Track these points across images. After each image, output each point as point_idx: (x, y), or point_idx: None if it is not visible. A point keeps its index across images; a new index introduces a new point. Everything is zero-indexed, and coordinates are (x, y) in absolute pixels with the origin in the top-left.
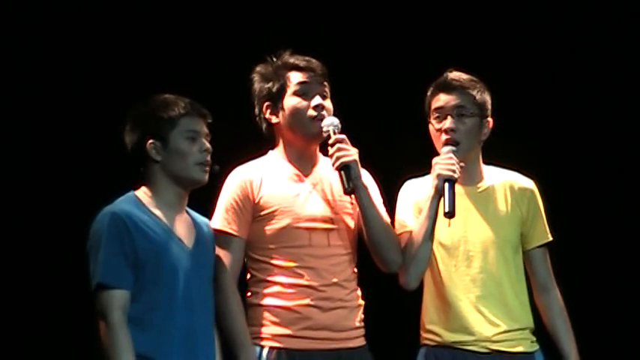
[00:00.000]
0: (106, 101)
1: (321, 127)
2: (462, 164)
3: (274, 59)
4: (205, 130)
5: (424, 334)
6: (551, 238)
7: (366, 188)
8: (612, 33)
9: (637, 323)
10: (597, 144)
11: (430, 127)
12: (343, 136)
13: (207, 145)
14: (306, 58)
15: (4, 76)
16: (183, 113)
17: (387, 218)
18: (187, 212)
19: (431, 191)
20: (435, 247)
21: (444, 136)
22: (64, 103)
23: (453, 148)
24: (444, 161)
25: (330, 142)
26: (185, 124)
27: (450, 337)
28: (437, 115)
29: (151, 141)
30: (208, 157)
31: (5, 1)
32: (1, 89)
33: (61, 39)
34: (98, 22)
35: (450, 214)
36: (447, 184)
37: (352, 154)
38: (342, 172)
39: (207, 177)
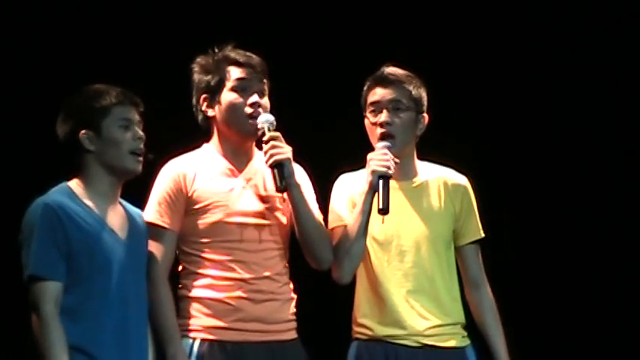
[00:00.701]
0: (37, 91)
1: (256, 126)
2: (396, 160)
3: (216, 51)
4: (138, 118)
5: (356, 328)
6: (483, 235)
7: (298, 186)
8: (546, 20)
9: (567, 319)
10: (531, 139)
11: (366, 121)
12: (278, 134)
13: (141, 133)
14: (247, 53)
15: None
16: (115, 102)
17: (319, 216)
18: (121, 203)
19: (365, 187)
20: (369, 241)
21: (379, 130)
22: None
23: (388, 144)
24: (379, 157)
25: (265, 139)
26: (118, 112)
27: (382, 330)
28: (372, 109)
29: (83, 131)
30: (142, 145)
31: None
32: None
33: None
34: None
35: (384, 211)
36: (381, 181)
37: (286, 152)
38: (276, 170)
39: (140, 167)
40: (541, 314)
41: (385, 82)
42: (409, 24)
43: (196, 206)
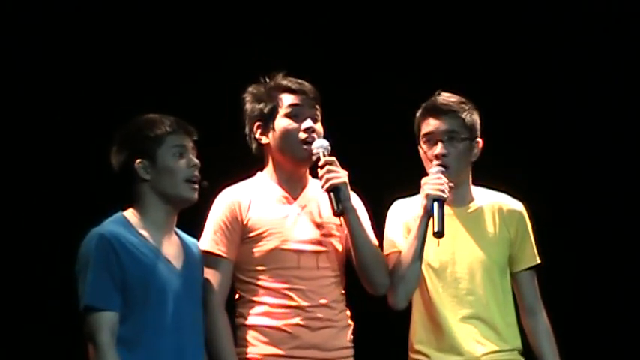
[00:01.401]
0: (95, 123)
1: (311, 151)
2: (451, 185)
3: (267, 80)
4: (192, 145)
5: (412, 355)
6: (539, 261)
7: (355, 211)
8: (607, 53)
9: (623, 346)
10: (585, 167)
11: (420, 149)
12: (333, 159)
13: (195, 160)
14: (299, 80)
15: None
16: (169, 131)
17: (375, 241)
18: (176, 233)
19: (420, 211)
20: (424, 267)
21: (435, 162)
22: (52, 124)
23: (442, 169)
24: (433, 181)
25: (320, 164)
26: (171, 140)
27: (438, 357)
28: (426, 139)
29: (139, 160)
30: (197, 173)
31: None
32: None
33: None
34: (84, 44)
35: (440, 234)
36: (436, 204)
37: (342, 176)
38: (332, 194)
39: (196, 195)
40: (598, 341)
41: (439, 112)
42: (461, 48)
43: (252, 234)
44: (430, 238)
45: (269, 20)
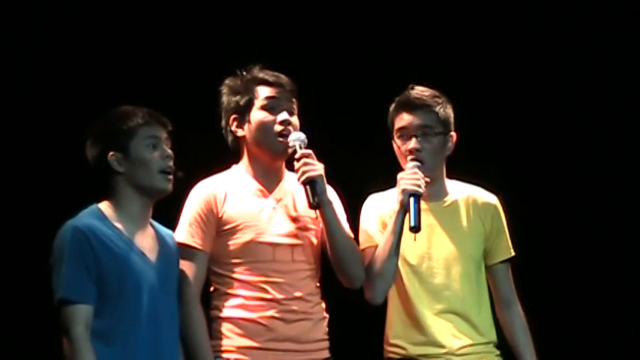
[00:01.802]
0: (70, 115)
1: (287, 144)
2: (427, 179)
3: (244, 73)
4: (166, 136)
5: (388, 348)
6: (513, 254)
7: (330, 203)
8: (576, 40)
9: (599, 338)
10: (560, 158)
11: (394, 144)
12: (309, 151)
13: (169, 151)
14: (276, 73)
15: None
16: (141, 122)
17: (351, 234)
18: (152, 225)
19: (396, 206)
20: (400, 262)
21: (409, 157)
22: (27, 116)
23: (418, 164)
24: (409, 176)
25: (297, 156)
26: (144, 132)
27: (414, 350)
28: (400, 134)
29: (112, 153)
30: (171, 163)
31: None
32: None
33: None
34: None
35: (416, 229)
36: (412, 199)
37: (318, 168)
38: (308, 187)
39: (170, 186)
40: (573, 333)
41: (412, 106)
42: (435, 45)
43: (227, 227)
44: (406, 233)
45: (246, 13)
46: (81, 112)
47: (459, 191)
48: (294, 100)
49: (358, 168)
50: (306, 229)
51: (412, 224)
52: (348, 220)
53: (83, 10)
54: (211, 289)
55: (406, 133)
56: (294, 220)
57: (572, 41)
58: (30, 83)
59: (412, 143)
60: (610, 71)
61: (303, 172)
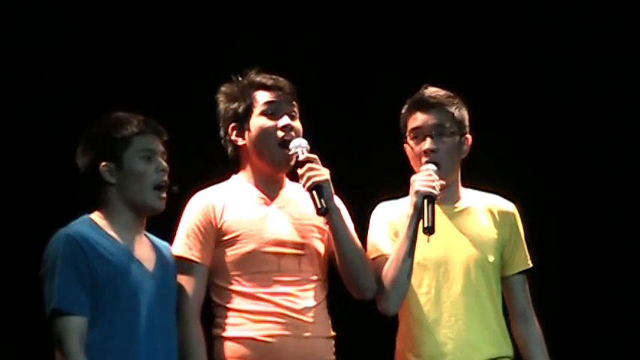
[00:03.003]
0: (63, 121)
1: (289, 156)
2: (442, 182)
3: (240, 78)
4: (161, 148)
5: None
6: (531, 265)
7: (338, 210)
8: (598, 48)
9: (616, 351)
10: (578, 165)
11: (406, 146)
12: (314, 156)
13: (164, 164)
14: (274, 76)
15: None
16: (136, 132)
17: (359, 243)
18: (146, 235)
19: (409, 210)
20: (415, 267)
21: (424, 159)
22: (18, 123)
23: (434, 167)
24: (423, 177)
25: (300, 160)
26: (139, 142)
27: None
28: (414, 135)
29: (104, 163)
30: (165, 177)
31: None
32: None
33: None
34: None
35: (430, 230)
36: (425, 200)
37: (324, 173)
38: (315, 192)
39: (163, 204)
40: (591, 348)
41: (426, 105)
42: (446, 43)
43: (227, 237)
44: (421, 237)
45: (244, 16)
46: (75, 117)
47: (475, 198)
48: (294, 102)
49: (363, 176)
50: (312, 237)
51: (426, 225)
52: (355, 230)
53: (81, 13)
54: (212, 304)
55: (420, 133)
56: (300, 227)
57: (597, 45)
58: (25, 87)
59: (427, 144)
60: (637, 73)
61: (309, 178)
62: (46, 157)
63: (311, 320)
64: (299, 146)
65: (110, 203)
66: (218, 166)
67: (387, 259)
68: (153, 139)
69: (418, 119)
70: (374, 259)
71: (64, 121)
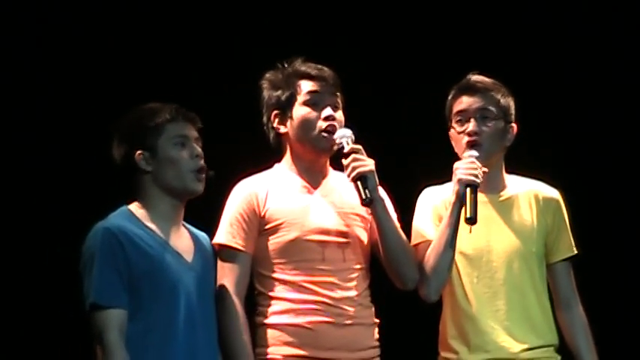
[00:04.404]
0: (96, 115)
1: (331, 142)
2: (485, 170)
3: (285, 66)
4: (195, 134)
5: (443, 353)
6: (576, 252)
7: (382, 200)
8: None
9: None
10: (622, 155)
11: (451, 131)
12: (359, 147)
13: (199, 149)
14: (319, 66)
15: None
16: (169, 119)
17: (403, 234)
18: (184, 226)
19: (451, 197)
20: (457, 257)
21: (466, 139)
22: (53, 117)
23: (476, 153)
24: (466, 166)
25: (346, 151)
26: (172, 129)
27: (470, 355)
28: (459, 118)
29: (139, 152)
30: (201, 162)
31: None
32: None
33: (55, 48)
34: (95, 34)
35: (472, 220)
36: (468, 189)
37: (369, 164)
38: (359, 183)
39: (202, 186)
40: (635, 336)
41: (472, 90)
42: (493, 36)
43: (269, 225)
44: (463, 226)
45: (289, 9)
46: (108, 112)
47: (519, 185)
48: (338, 94)
49: (406, 169)
50: (355, 226)
51: (468, 215)
52: (399, 220)
53: (111, 8)
54: (255, 293)
55: (465, 116)
56: (343, 216)
57: None
58: (54, 83)
59: (470, 126)
60: None
61: (354, 168)
62: (86, 151)
63: (353, 308)
64: (344, 136)
65: (148, 192)
66: (261, 155)
67: (429, 244)
68: (185, 126)
69: (463, 102)
70: (418, 244)
71: (102, 116)
